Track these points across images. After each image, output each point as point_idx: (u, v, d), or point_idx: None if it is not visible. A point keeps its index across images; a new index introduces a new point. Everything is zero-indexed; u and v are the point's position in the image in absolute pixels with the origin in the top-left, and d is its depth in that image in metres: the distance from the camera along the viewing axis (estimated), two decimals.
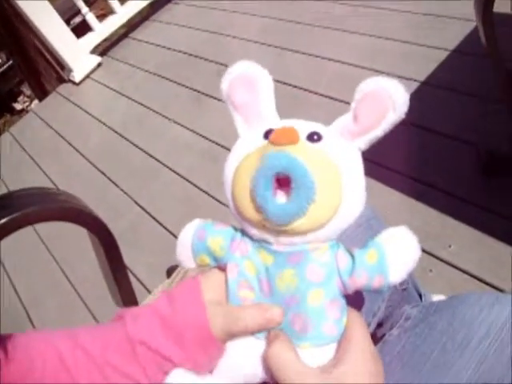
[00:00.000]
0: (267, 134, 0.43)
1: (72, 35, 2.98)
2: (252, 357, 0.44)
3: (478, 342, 0.52)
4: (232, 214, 0.45)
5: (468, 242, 1.27)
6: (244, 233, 0.45)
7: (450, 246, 1.29)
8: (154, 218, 1.91)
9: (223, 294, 0.46)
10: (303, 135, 0.42)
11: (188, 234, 0.47)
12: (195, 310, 0.44)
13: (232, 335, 0.44)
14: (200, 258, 0.47)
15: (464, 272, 1.23)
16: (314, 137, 0.42)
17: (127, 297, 0.87)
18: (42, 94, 3.27)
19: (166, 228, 1.83)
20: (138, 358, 0.44)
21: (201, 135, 2.17)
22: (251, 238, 0.44)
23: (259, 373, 0.44)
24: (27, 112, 3.17)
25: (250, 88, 0.46)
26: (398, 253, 0.42)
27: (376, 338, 0.65)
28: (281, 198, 0.40)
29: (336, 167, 0.41)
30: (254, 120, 0.46)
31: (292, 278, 0.43)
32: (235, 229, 0.47)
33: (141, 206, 2.00)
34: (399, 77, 1.69)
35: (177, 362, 0.44)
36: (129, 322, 0.46)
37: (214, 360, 0.45)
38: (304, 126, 0.43)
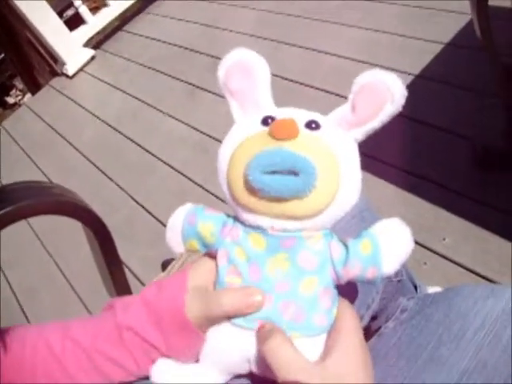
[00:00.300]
0: (265, 121, 0.43)
1: (65, 28, 2.96)
2: (236, 347, 0.44)
3: (474, 333, 0.52)
4: (226, 200, 0.45)
5: (462, 235, 1.28)
6: (236, 219, 0.45)
7: (444, 239, 1.29)
8: (148, 212, 1.91)
9: (212, 280, 0.46)
10: (301, 123, 0.42)
11: (179, 218, 0.47)
12: (174, 295, 0.44)
13: (210, 319, 0.44)
14: (190, 244, 0.47)
15: (458, 265, 1.23)
16: (312, 125, 0.42)
17: (122, 290, 0.87)
18: (34, 87, 3.24)
19: (160, 222, 1.83)
20: (124, 343, 0.44)
21: (195, 129, 2.16)
22: (243, 224, 0.44)
23: (244, 363, 0.44)
24: (20, 106, 3.15)
25: (246, 75, 0.46)
26: (391, 244, 0.42)
27: (371, 331, 0.65)
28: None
29: (334, 155, 0.41)
30: (250, 106, 0.46)
31: (284, 262, 0.43)
32: (227, 215, 0.47)
33: (135, 200, 2.00)
34: (394, 70, 1.68)
35: (158, 347, 0.44)
36: (119, 311, 0.46)
37: (193, 347, 0.45)
38: (302, 115, 0.43)
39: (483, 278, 1.18)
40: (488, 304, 0.54)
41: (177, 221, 0.47)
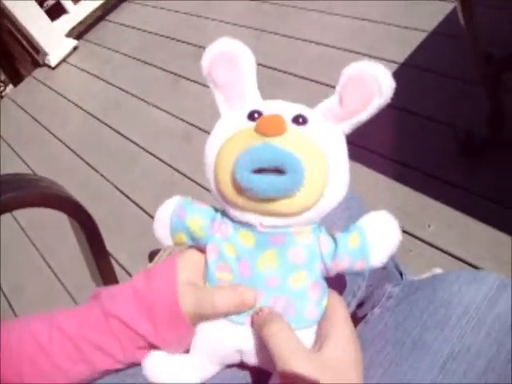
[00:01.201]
0: (251, 115, 0.42)
1: (46, 18, 2.92)
2: (228, 340, 0.44)
3: (458, 318, 0.53)
4: (213, 196, 0.44)
5: (447, 222, 1.29)
6: (224, 214, 0.45)
7: (429, 226, 1.30)
8: (134, 203, 1.90)
9: (200, 273, 0.46)
10: (288, 118, 0.41)
11: (167, 210, 0.46)
12: (167, 288, 0.44)
13: (203, 316, 0.44)
14: (177, 237, 0.46)
15: (443, 251, 1.24)
16: (299, 120, 0.42)
17: (109, 282, 0.87)
18: (16, 78, 3.20)
19: (146, 212, 1.82)
20: (112, 330, 0.44)
21: (180, 119, 2.15)
22: (232, 219, 0.44)
23: (236, 355, 0.45)
24: (2, 97, 3.10)
25: (231, 66, 0.44)
26: (379, 237, 0.42)
27: (357, 318, 0.66)
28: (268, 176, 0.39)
29: (322, 152, 0.41)
30: (236, 99, 0.45)
31: (274, 259, 0.43)
32: (215, 209, 0.46)
33: (121, 191, 1.99)
34: (378, 58, 1.68)
35: (147, 337, 0.44)
36: (105, 299, 0.46)
37: (183, 340, 0.45)
38: (289, 109, 0.43)
39: (467, 264, 1.20)
40: (471, 289, 0.55)
41: (165, 213, 0.46)
